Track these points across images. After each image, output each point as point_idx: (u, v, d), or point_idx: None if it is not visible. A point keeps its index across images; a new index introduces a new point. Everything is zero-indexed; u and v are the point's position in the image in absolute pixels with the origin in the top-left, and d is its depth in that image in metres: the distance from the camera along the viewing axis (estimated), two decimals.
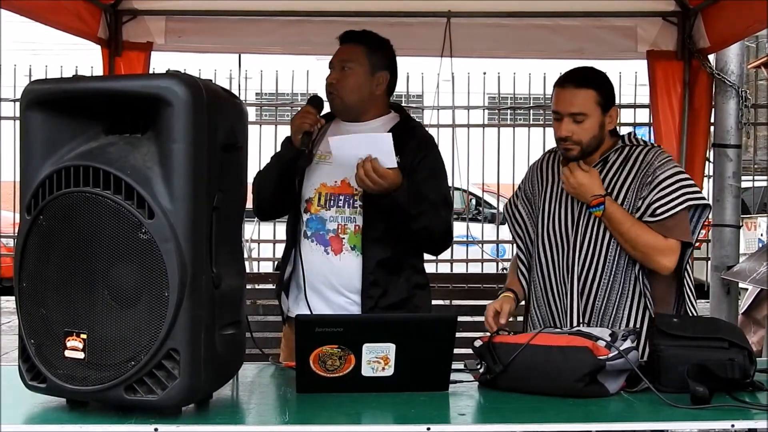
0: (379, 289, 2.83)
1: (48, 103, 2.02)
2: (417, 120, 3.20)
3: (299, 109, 2.91)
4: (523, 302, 2.94)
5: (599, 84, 2.70)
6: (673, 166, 2.72)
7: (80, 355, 1.95)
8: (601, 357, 2.20)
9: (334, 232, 2.86)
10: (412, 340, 2.20)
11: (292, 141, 2.84)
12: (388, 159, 2.62)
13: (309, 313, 2.79)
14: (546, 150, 3.00)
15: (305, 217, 2.90)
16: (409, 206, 2.73)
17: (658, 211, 2.65)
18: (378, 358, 2.18)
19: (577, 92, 2.67)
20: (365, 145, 2.65)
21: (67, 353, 1.96)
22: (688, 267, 2.75)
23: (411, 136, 2.91)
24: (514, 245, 3.02)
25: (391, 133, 2.67)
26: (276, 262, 8.06)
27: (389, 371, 2.19)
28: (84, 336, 1.94)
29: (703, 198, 2.72)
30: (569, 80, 2.69)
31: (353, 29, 2.97)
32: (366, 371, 2.19)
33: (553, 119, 2.75)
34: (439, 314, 2.24)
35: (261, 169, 3.00)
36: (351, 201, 2.86)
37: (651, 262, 2.68)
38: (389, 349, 2.18)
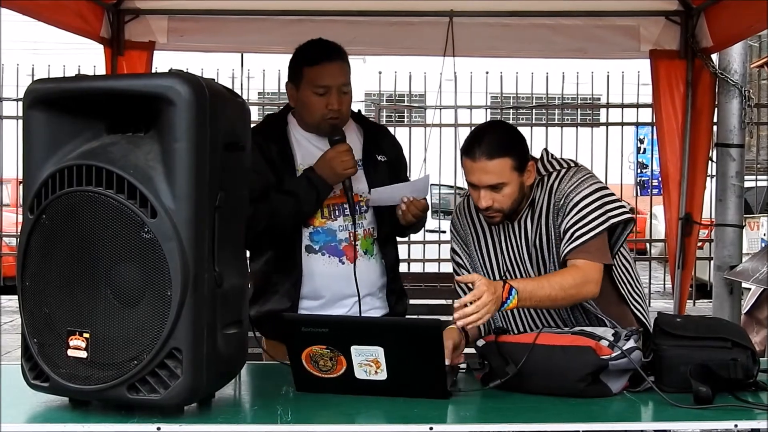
0: (396, 283, 2.95)
1: (51, 103, 2.02)
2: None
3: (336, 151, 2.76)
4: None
5: (510, 148, 2.51)
6: (589, 185, 2.53)
7: (83, 354, 1.95)
8: (604, 357, 2.20)
9: (346, 241, 2.83)
10: (399, 344, 2.16)
11: (327, 179, 2.74)
12: (422, 194, 2.81)
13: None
14: (466, 192, 2.75)
15: (307, 231, 2.82)
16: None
17: (577, 234, 2.48)
18: (369, 361, 2.16)
19: (490, 163, 2.47)
20: (403, 189, 2.81)
21: (70, 352, 1.96)
22: (621, 276, 2.65)
23: (382, 135, 3.04)
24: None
25: (430, 175, 2.84)
26: None
27: (382, 375, 2.17)
28: (87, 335, 1.94)
29: (624, 213, 2.54)
30: (479, 152, 2.48)
31: (331, 44, 2.83)
32: (359, 374, 2.18)
33: (468, 188, 2.58)
34: (424, 320, 2.18)
35: (273, 207, 2.74)
36: (357, 207, 2.86)
37: (580, 298, 2.48)
38: (377, 352, 2.15)
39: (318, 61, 2.77)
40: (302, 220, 2.80)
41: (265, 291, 2.85)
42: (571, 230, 2.50)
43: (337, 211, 2.84)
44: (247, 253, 2.53)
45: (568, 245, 2.49)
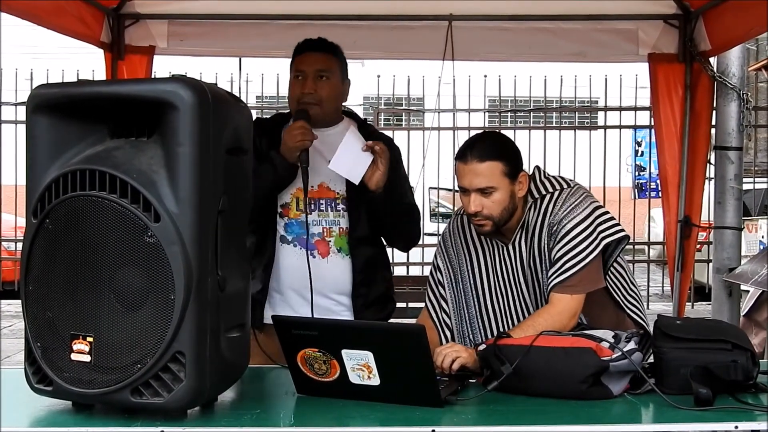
0: (365, 287, 2.94)
1: (54, 107, 2.03)
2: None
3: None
4: None
5: (503, 154, 2.54)
6: (583, 209, 2.53)
7: (86, 358, 1.96)
8: (604, 358, 2.21)
9: (319, 236, 2.90)
10: (386, 349, 2.14)
11: (285, 157, 2.79)
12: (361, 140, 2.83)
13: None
14: (461, 209, 2.73)
15: (282, 221, 2.90)
16: (399, 198, 2.93)
17: (565, 267, 2.50)
18: (360, 366, 2.15)
19: (481, 166, 2.50)
20: (353, 144, 2.80)
21: (74, 356, 1.97)
22: (615, 283, 2.67)
23: (377, 140, 2.95)
24: (433, 303, 2.79)
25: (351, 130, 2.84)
26: None
27: (375, 380, 2.16)
28: (90, 339, 1.95)
29: (618, 232, 2.55)
30: (471, 155, 2.52)
31: (323, 40, 2.94)
32: (353, 378, 2.17)
33: (460, 195, 2.59)
34: (408, 325, 2.21)
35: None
36: (333, 204, 2.93)
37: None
38: (367, 356, 2.14)
39: (301, 51, 2.92)
40: (261, 196, 2.74)
41: None
42: (561, 261, 2.52)
43: (312, 205, 2.89)
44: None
45: (554, 279, 2.52)
